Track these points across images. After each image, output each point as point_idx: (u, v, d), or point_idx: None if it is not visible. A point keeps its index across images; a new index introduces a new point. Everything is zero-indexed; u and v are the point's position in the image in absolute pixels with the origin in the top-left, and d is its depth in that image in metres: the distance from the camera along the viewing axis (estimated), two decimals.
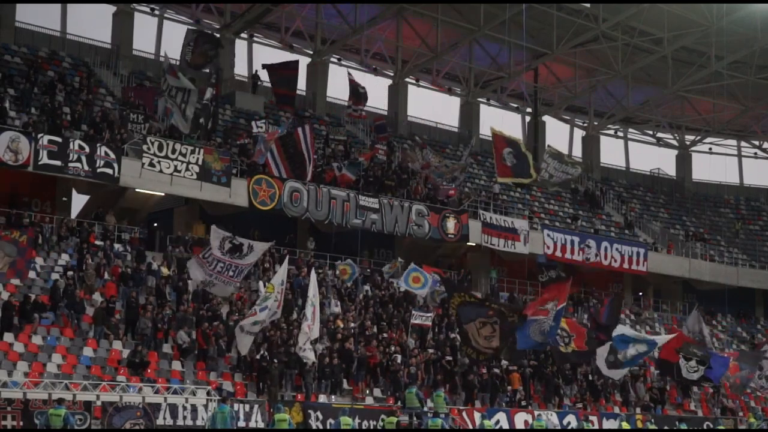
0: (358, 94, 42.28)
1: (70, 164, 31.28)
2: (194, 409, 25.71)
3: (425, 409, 28.16)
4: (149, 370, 27.41)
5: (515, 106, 57.17)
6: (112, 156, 32.21)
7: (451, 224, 39.96)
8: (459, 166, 42.24)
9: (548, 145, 43.76)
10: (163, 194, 34.67)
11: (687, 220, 56.90)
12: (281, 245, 36.67)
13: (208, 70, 40.21)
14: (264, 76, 45.23)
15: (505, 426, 31.26)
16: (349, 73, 43.74)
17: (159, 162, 32.43)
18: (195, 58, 36.96)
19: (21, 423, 23.05)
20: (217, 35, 40.94)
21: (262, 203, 35.31)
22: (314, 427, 27.39)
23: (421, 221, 39.27)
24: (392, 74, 51.17)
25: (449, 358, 33.47)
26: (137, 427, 24.63)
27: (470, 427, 30.45)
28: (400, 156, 43.52)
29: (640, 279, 48.81)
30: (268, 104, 43.78)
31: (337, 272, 35.39)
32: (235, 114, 42.33)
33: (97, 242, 32.35)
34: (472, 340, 30.33)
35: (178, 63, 37.00)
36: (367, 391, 31.21)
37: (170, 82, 32.65)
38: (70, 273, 29.51)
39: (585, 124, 59.06)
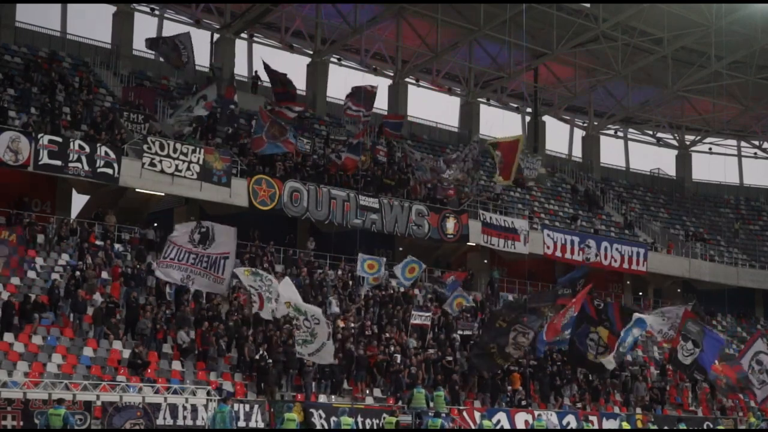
0: (366, 99, 41.60)
1: (70, 164, 31.30)
2: (194, 409, 25.73)
3: (427, 408, 28.17)
4: (149, 370, 27.41)
5: (515, 106, 57.16)
6: (112, 156, 32.23)
7: (450, 224, 39.97)
8: (464, 175, 42.05)
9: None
10: (163, 194, 34.68)
11: (687, 220, 56.91)
12: (281, 245, 36.71)
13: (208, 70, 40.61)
14: (264, 76, 45.28)
15: (506, 426, 31.27)
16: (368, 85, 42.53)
17: (160, 161, 32.54)
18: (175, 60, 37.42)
19: (21, 423, 23.07)
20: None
21: (262, 203, 35.33)
22: (318, 426, 27.39)
23: (420, 221, 39.28)
24: (392, 74, 51.16)
25: (449, 358, 33.48)
26: (137, 427, 24.64)
27: (470, 427, 30.46)
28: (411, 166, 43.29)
29: (640, 279, 48.83)
30: (268, 104, 43.70)
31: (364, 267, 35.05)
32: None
33: (97, 242, 32.36)
34: (509, 346, 30.70)
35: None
36: (367, 392, 31.21)
37: (201, 106, 33.05)
38: (76, 273, 29.53)
39: (585, 124, 59.07)
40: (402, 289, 37.26)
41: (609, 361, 33.20)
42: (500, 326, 30.84)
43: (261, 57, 40.37)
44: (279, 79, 38.87)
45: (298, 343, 26.20)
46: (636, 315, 33.39)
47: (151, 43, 39.11)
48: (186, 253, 26.87)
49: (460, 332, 35.58)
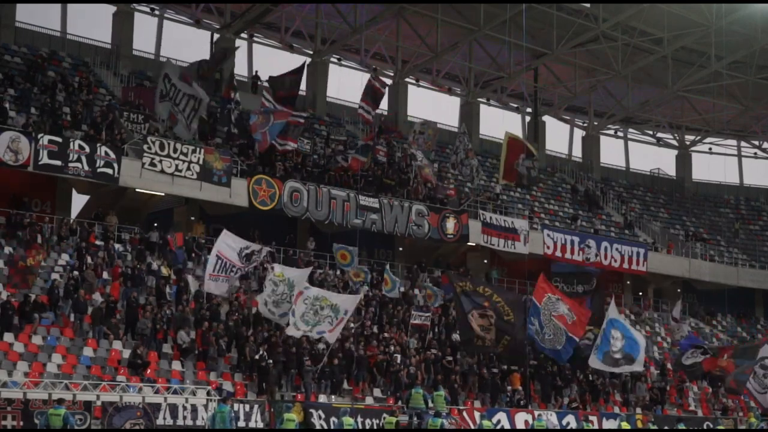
0: (374, 97, 41.59)
1: (70, 164, 31.29)
2: (194, 409, 25.72)
3: (425, 408, 28.14)
4: (149, 370, 27.41)
5: (515, 106, 57.17)
6: (112, 156, 32.22)
7: (450, 224, 39.96)
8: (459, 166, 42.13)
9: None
10: (163, 194, 34.69)
11: (687, 220, 56.91)
12: (281, 245, 36.71)
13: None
14: (264, 76, 45.30)
15: (506, 426, 31.26)
16: (371, 77, 42.85)
17: (161, 161, 32.57)
18: (207, 72, 37.40)
19: (21, 423, 23.06)
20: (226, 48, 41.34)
21: (262, 203, 35.32)
22: (318, 426, 27.39)
23: (420, 221, 39.27)
24: (392, 74, 51.16)
25: (449, 358, 33.47)
26: (137, 427, 24.63)
27: (470, 427, 30.45)
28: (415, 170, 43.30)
29: (640, 279, 48.81)
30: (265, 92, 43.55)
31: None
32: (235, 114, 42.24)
33: (97, 242, 32.35)
34: (475, 329, 31.02)
35: (188, 67, 37.75)
36: (367, 392, 31.20)
37: (181, 88, 32.84)
38: (74, 273, 29.52)
39: (585, 124, 59.07)
40: (402, 290, 37.24)
41: (594, 361, 33.47)
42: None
43: (261, 60, 40.69)
44: (284, 83, 38.89)
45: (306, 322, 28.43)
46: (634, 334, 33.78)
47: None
48: (231, 266, 28.82)
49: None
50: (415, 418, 27.61)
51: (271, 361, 28.88)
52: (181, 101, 33.28)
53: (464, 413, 31.08)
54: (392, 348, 32.44)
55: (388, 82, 51.26)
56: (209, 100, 35.42)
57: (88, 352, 27.65)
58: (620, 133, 61.49)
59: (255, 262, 30.29)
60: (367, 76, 49.52)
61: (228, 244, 28.96)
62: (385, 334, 33.34)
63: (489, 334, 31.78)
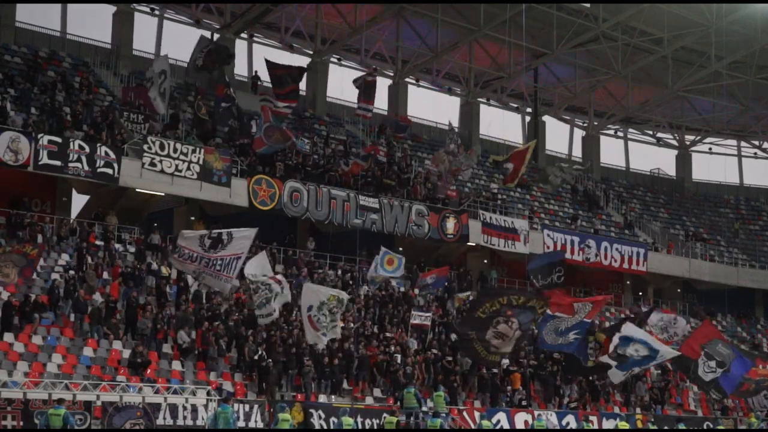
0: (368, 92, 41.65)
1: (70, 164, 31.30)
2: (194, 409, 25.72)
3: (424, 408, 28.15)
4: (149, 370, 27.41)
5: (515, 106, 57.17)
6: (112, 156, 32.24)
7: (450, 224, 39.97)
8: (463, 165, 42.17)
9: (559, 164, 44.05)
10: (163, 194, 34.70)
11: (687, 220, 56.92)
12: (281, 245, 36.72)
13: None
14: (264, 75, 45.24)
15: (506, 426, 31.26)
16: (366, 73, 43.02)
17: (161, 161, 32.59)
18: (206, 64, 37.28)
19: (21, 423, 23.07)
20: (228, 48, 41.14)
21: (262, 203, 35.34)
22: (317, 427, 27.39)
23: (420, 221, 39.28)
24: (392, 74, 51.16)
25: (449, 358, 33.47)
26: (137, 427, 24.64)
27: (470, 427, 30.45)
28: (432, 164, 43.13)
29: (640, 279, 48.82)
30: (264, 98, 43.51)
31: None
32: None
33: (97, 242, 32.35)
34: (490, 336, 30.06)
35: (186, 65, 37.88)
36: (367, 391, 31.19)
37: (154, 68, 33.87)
38: (70, 272, 29.52)
39: (585, 124, 59.07)
40: (402, 289, 37.25)
41: (614, 374, 32.87)
42: (479, 317, 29.99)
43: (261, 60, 40.53)
44: (283, 78, 38.77)
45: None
46: (651, 340, 32.74)
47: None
48: (198, 256, 26.76)
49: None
50: (411, 418, 27.61)
51: (270, 361, 28.88)
52: (156, 84, 34.22)
53: (464, 413, 31.08)
54: (392, 348, 32.43)
55: (389, 82, 51.34)
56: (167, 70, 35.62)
57: (88, 352, 27.65)
58: (620, 133, 61.48)
59: (230, 249, 26.90)
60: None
61: (186, 240, 27.18)
62: (387, 334, 33.33)
63: (504, 341, 30.63)
